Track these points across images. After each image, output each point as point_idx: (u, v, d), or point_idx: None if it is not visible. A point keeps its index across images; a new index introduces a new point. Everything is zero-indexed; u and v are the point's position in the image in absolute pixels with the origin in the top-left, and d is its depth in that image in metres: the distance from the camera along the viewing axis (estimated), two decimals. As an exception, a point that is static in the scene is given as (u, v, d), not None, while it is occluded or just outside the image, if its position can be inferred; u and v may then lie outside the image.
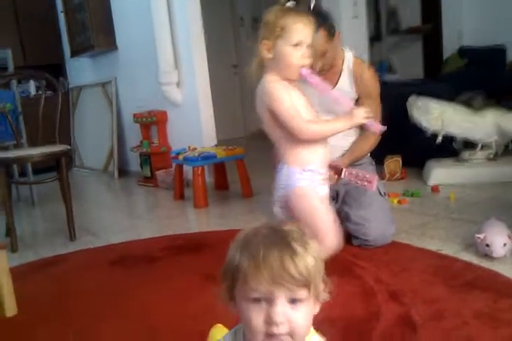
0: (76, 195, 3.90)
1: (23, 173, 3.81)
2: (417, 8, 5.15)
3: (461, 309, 1.42)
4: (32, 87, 5.17)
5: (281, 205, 1.45)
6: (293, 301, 0.70)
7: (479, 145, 2.95)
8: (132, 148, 4.09)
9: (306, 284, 0.70)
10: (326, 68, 1.96)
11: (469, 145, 3.05)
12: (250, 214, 2.76)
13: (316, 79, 1.40)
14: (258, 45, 1.35)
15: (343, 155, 2.05)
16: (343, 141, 2.11)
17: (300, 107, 1.38)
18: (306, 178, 1.40)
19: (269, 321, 0.69)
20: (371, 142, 2.13)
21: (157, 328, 1.47)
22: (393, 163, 3.22)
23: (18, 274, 1.83)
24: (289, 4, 1.35)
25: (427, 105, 2.91)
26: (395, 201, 2.67)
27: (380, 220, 1.98)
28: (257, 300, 0.70)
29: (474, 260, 1.79)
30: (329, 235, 1.42)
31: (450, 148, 3.13)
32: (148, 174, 3.87)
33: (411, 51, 5.31)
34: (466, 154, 3.03)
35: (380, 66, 4.98)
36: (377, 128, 1.45)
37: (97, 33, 4.15)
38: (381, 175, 3.27)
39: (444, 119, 2.86)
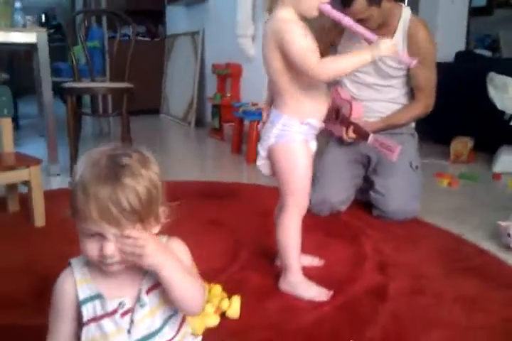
0: (148, 138, 4.14)
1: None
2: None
3: (445, 291, 1.35)
4: (130, 30, 5.41)
5: (265, 157, 1.33)
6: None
7: (559, 135, 2.66)
8: (208, 98, 4.20)
9: (139, 218, 0.72)
10: (373, 27, 1.84)
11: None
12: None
13: (336, 14, 1.24)
14: None
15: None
16: (382, 107, 2.01)
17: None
18: (303, 132, 1.29)
19: (102, 254, 0.73)
20: (412, 114, 2.00)
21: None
22: (460, 144, 3.00)
23: (52, 196, 1.97)
24: None
25: (504, 83, 2.65)
26: (445, 182, 2.51)
27: (403, 193, 1.89)
28: (91, 235, 0.73)
29: (493, 249, 1.66)
30: (301, 197, 1.32)
31: (528, 135, 2.86)
32: (217, 126, 3.96)
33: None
34: (543, 143, 2.75)
35: (482, 41, 4.57)
36: (408, 61, 1.26)
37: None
38: (446, 156, 3.08)
39: (522, 101, 2.60)
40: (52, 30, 7.15)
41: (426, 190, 2.38)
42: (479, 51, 4.20)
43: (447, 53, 3.84)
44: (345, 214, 1.97)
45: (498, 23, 4.85)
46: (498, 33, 4.85)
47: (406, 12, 1.90)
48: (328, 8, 1.22)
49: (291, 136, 1.29)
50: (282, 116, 1.29)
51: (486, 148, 3.11)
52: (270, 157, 1.32)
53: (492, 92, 2.75)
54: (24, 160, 1.78)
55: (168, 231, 0.82)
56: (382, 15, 1.83)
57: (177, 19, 5.31)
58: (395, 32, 1.90)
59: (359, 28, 1.26)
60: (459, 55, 3.70)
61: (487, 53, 4.15)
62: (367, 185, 2.05)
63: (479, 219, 1.98)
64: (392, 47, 1.20)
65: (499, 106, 2.70)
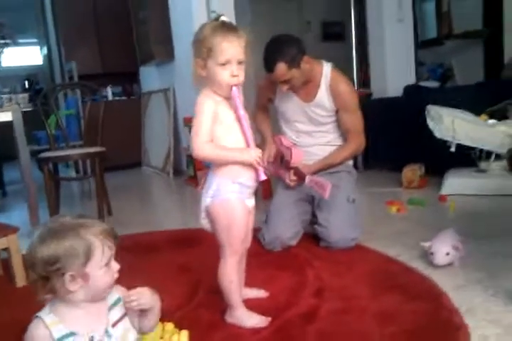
0: (129, 190, 4.39)
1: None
2: (476, 11, 4.98)
3: (368, 307, 1.55)
4: (109, 92, 5.77)
5: (205, 216, 1.47)
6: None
7: (493, 156, 2.92)
8: (182, 149, 4.48)
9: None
10: (297, 85, 2.13)
11: (488, 155, 3.02)
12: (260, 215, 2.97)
13: (236, 101, 1.40)
14: (193, 61, 1.42)
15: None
16: (320, 150, 2.27)
17: (223, 124, 1.40)
18: (236, 191, 1.42)
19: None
20: (346, 153, 2.26)
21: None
22: (411, 172, 3.26)
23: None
24: (222, 18, 1.37)
25: (439, 114, 2.93)
26: (394, 209, 2.74)
27: (343, 225, 2.11)
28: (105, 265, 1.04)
29: (421, 267, 1.87)
30: (238, 247, 1.46)
31: (471, 158, 3.11)
32: (192, 174, 4.22)
33: (471, 55, 5.15)
34: (483, 164, 3.00)
35: (434, 72, 4.92)
36: (259, 175, 1.43)
37: (156, 44, 4.58)
38: (400, 183, 3.33)
39: (455, 128, 2.87)
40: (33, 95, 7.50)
41: (375, 217, 2.64)
42: (429, 83, 4.53)
43: (397, 88, 4.16)
44: (296, 247, 2.19)
45: (450, 52, 5.23)
46: (450, 62, 5.23)
47: (326, 68, 2.18)
48: (234, 93, 1.40)
49: (225, 195, 1.42)
50: (215, 177, 1.45)
51: (438, 173, 3.36)
52: (208, 216, 1.47)
53: (431, 123, 3.03)
54: (2, 230, 2.01)
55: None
56: (303, 75, 2.10)
57: (150, 78, 5.69)
58: (319, 86, 2.18)
59: (246, 126, 1.42)
60: (406, 89, 4.02)
61: (435, 84, 4.47)
62: (315, 219, 2.29)
63: (417, 240, 2.19)
64: (257, 158, 1.39)
65: (438, 135, 2.98)
